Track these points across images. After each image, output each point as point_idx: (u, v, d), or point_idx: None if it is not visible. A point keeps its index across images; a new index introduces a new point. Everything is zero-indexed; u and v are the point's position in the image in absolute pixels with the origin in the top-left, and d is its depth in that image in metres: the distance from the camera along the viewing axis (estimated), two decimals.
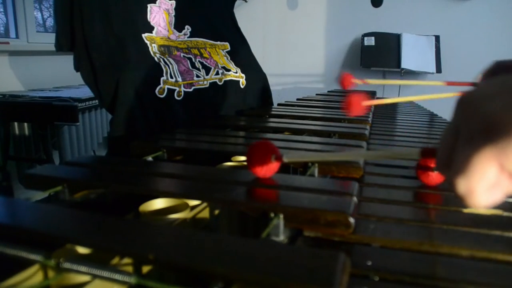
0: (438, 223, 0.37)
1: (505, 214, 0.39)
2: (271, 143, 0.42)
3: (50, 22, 2.39)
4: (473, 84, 0.96)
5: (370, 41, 2.49)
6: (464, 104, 0.26)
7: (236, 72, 1.09)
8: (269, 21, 2.83)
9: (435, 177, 0.46)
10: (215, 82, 1.03)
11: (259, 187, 0.40)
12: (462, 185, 0.24)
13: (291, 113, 0.99)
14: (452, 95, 0.85)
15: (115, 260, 0.27)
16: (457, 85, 1.00)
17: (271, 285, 0.22)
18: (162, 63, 0.92)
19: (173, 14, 1.02)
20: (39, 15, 2.30)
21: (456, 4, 2.50)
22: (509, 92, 0.23)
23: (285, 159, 0.43)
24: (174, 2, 1.02)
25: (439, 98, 0.92)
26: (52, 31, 2.26)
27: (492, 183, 0.24)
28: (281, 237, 0.32)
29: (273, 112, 0.99)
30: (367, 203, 0.41)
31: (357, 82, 0.86)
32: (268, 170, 0.41)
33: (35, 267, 0.26)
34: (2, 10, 1.95)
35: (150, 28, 0.95)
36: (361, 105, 0.65)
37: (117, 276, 0.23)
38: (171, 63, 0.94)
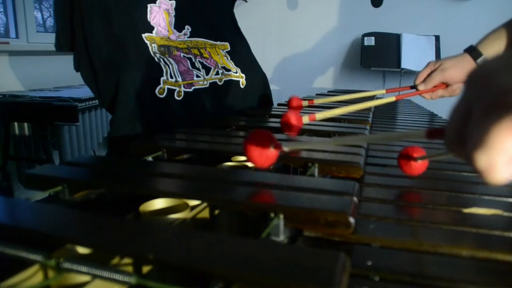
0: (438, 223, 0.37)
1: (505, 214, 0.39)
2: (270, 132, 0.41)
3: (50, 22, 2.39)
4: (411, 87, 0.98)
5: (370, 41, 2.49)
6: (475, 80, 0.25)
7: (236, 72, 1.09)
8: (269, 21, 2.83)
9: (417, 167, 0.46)
10: (215, 82, 1.03)
11: (259, 187, 0.40)
12: (483, 159, 0.24)
13: None
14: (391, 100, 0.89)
15: (115, 260, 0.27)
16: (397, 90, 1.01)
17: (271, 285, 0.22)
18: (162, 63, 0.92)
19: (173, 14, 1.02)
20: (39, 15, 2.30)
21: (456, 4, 2.49)
22: None
23: (285, 148, 0.42)
24: (174, 2, 1.02)
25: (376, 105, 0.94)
26: (52, 31, 2.26)
27: (511, 155, 0.23)
28: (281, 237, 0.32)
29: (273, 112, 0.99)
30: (367, 203, 0.41)
31: (305, 103, 0.87)
32: (267, 159, 0.40)
33: (35, 267, 0.26)
34: (2, 10, 1.95)
35: (150, 28, 0.95)
36: (299, 122, 0.65)
37: (117, 276, 0.23)
38: (171, 63, 0.94)
